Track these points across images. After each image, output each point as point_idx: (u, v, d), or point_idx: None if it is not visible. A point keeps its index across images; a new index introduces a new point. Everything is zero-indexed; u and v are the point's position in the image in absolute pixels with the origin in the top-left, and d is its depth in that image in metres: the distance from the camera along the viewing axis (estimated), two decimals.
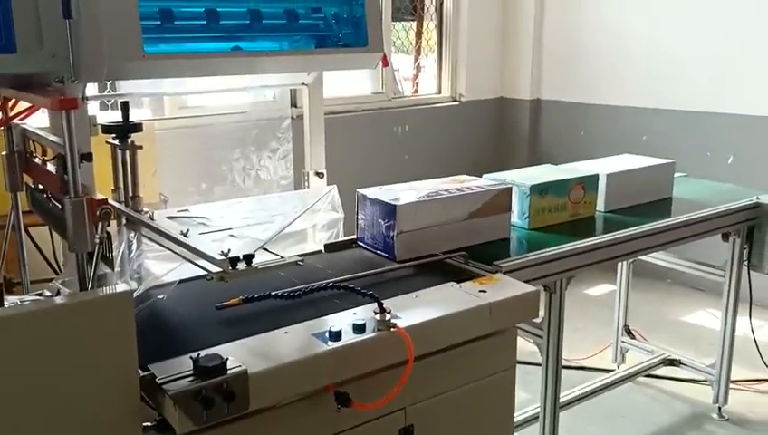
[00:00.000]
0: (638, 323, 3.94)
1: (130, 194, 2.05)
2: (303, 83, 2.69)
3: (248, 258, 1.55)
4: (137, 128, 2.09)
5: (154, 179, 3.26)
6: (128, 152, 2.05)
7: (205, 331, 1.75)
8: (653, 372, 3.76)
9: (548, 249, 2.39)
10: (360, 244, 2.40)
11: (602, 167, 3.04)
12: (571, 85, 5.67)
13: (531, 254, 2.33)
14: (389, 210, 2.25)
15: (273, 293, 1.82)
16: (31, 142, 1.97)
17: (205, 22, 2.17)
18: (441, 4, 5.78)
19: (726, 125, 4.82)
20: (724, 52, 4.79)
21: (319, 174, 2.84)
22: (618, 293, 3.78)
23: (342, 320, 1.77)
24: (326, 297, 1.87)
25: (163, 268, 1.83)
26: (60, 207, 1.53)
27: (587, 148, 5.53)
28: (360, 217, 2.38)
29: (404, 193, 2.35)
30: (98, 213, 1.44)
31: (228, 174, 3.11)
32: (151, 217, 1.94)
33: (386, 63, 2.52)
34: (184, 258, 1.74)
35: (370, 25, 2.39)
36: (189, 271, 1.85)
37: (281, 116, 3.15)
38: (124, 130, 2.07)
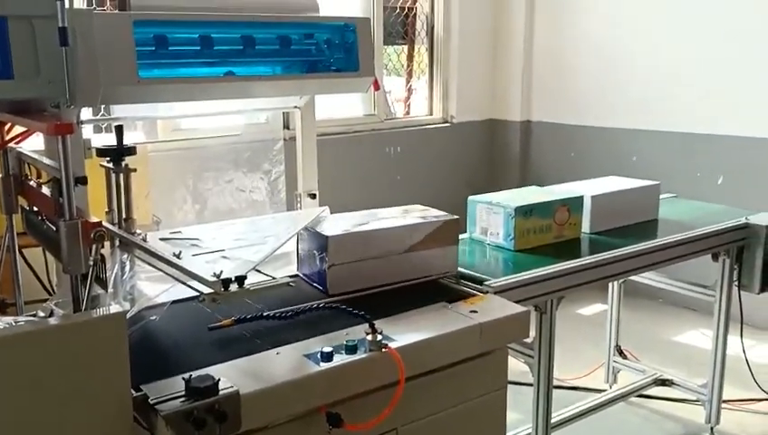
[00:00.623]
0: (630, 343, 3.96)
1: (124, 216, 2.07)
2: (296, 106, 2.72)
3: (240, 280, 1.57)
4: (131, 151, 2.11)
5: (147, 201, 3.28)
6: (122, 175, 2.08)
7: (197, 351, 1.77)
8: (645, 392, 3.77)
9: (538, 269, 2.42)
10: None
11: (587, 188, 3.07)
12: (562, 107, 5.73)
13: (521, 274, 2.36)
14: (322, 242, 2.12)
15: (264, 313, 1.84)
16: (26, 165, 2.00)
17: (199, 48, 2.21)
18: (432, 28, 5.85)
19: (716, 146, 4.87)
20: (714, 73, 4.86)
21: (311, 195, 2.86)
22: (609, 313, 3.80)
23: (334, 340, 1.78)
24: (318, 318, 1.88)
25: (156, 289, 1.84)
26: (54, 229, 1.55)
27: (577, 169, 5.57)
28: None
29: (340, 223, 2.24)
30: (92, 235, 1.46)
31: (220, 196, 3.13)
32: (144, 239, 1.96)
33: (377, 87, 2.56)
34: (176, 280, 1.75)
35: (362, 50, 2.42)
36: (181, 292, 1.87)
37: (273, 138, 3.17)
38: (118, 153, 2.09)
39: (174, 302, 1.94)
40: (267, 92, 2.38)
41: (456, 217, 2.36)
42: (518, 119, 5.93)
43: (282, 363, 1.68)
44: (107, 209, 2.18)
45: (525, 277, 2.34)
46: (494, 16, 5.91)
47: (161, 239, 2.00)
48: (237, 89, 2.24)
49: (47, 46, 1.76)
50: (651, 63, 5.17)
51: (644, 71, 5.21)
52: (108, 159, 2.09)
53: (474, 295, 2.16)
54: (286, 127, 3.67)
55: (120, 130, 2.12)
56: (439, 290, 2.23)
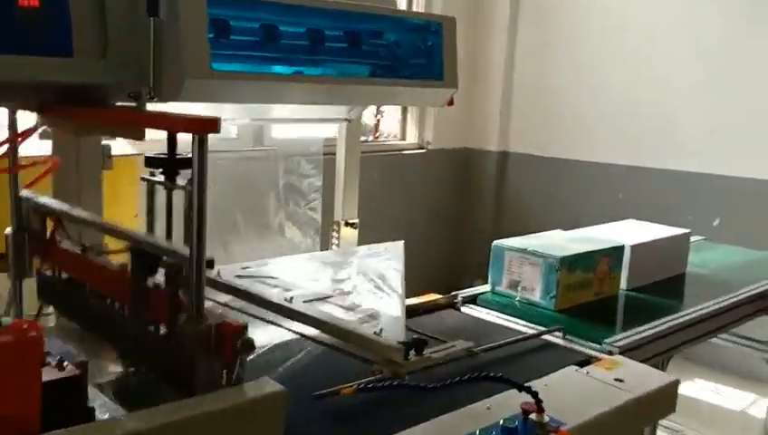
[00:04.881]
0: None
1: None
2: (347, 119, 2.31)
3: (419, 345, 1.14)
4: (189, 163, 1.63)
5: (135, 223, 2.75)
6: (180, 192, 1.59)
7: (308, 428, 1.31)
8: None
9: (657, 322, 2.09)
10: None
11: (619, 236, 2.62)
12: (542, 139, 5.49)
13: (641, 329, 2.01)
14: None
15: (391, 380, 1.39)
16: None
17: (265, 39, 1.76)
18: None
19: (711, 186, 4.72)
20: (707, 110, 4.73)
21: (351, 224, 2.45)
22: None
23: (478, 419, 1.37)
24: (447, 378, 1.45)
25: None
26: (141, 323, 1.10)
27: (557, 204, 5.35)
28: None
29: None
30: (236, 344, 1.01)
31: (229, 216, 2.63)
32: (219, 275, 1.49)
33: (452, 102, 2.17)
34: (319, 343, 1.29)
35: (446, 56, 2.05)
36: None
37: (313, 153, 2.74)
38: (173, 164, 1.61)
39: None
40: (340, 98, 1.96)
41: None
42: (495, 149, 5.65)
43: None
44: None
45: (649, 334, 2.00)
46: (474, 42, 5.64)
47: (237, 277, 1.53)
48: (314, 91, 1.81)
49: (120, 15, 1.29)
50: (640, 97, 5.00)
51: (632, 105, 5.04)
52: (160, 170, 1.61)
53: (599, 358, 1.80)
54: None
55: (173, 136, 1.64)
56: (550, 348, 1.86)
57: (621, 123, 5.09)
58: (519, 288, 2.24)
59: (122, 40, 1.29)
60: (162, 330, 1.15)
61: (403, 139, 5.58)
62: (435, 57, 2.03)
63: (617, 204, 5.06)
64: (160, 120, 1.16)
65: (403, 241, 1.98)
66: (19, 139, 1.57)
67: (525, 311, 2.16)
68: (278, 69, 1.81)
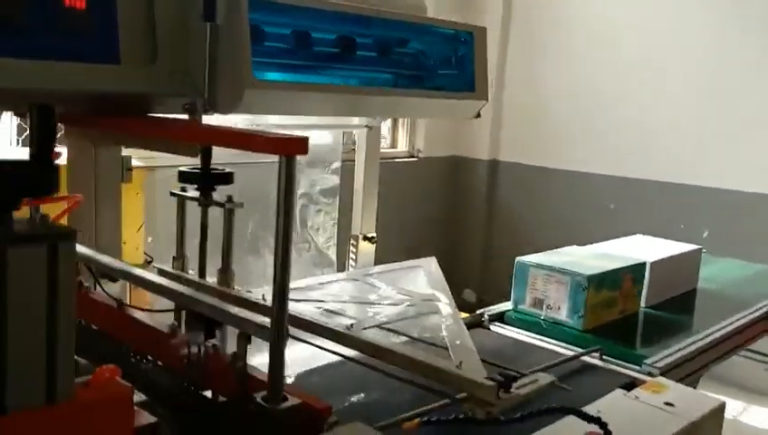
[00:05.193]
0: None
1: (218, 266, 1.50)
2: (368, 126, 2.23)
3: (508, 381, 1.07)
4: (227, 178, 1.54)
5: (138, 236, 2.64)
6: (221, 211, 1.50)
7: None
8: None
9: (689, 341, 2.06)
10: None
11: (635, 252, 2.55)
12: (533, 148, 5.46)
13: (677, 349, 1.97)
14: None
15: (457, 413, 1.32)
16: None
17: (296, 46, 1.68)
18: None
19: (702, 198, 4.73)
20: (697, 122, 4.74)
21: (369, 238, 2.37)
22: None
23: None
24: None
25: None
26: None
27: (548, 214, 5.33)
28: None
29: None
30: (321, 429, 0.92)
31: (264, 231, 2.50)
32: (264, 299, 1.40)
33: (479, 114, 2.11)
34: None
35: (478, 67, 1.98)
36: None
37: (328, 164, 2.64)
38: (210, 180, 1.52)
39: None
40: (371, 108, 1.89)
41: None
42: (486, 157, 5.61)
43: None
44: (175, 255, 1.62)
45: (684, 353, 1.95)
46: None
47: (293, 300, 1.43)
48: (352, 102, 1.73)
49: (170, 20, 1.20)
50: (632, 108, 4.99)
51: (624, 116, 5.03)
52: (195, 187, 1.52)
53: (642, 381, 1.75)
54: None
55: (208, 150, 1.54)
56: (590, 370, 1.81)
57: (612, 134, 5.08)
58: (544, 307, 2.16)
59: (173, 47, 1.20)
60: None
61: (394, 147, 5.51)
62: (466, 68, 1.97)
63: (608, 214, 5.06)
64: (240, 139, 1.07)
65: (434, 257, 1.91)
66: None
67: (553, 329, 2.10)
68: (319, 79, 1.74)
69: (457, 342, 1.29)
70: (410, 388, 1.38)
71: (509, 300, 2.21)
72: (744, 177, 4.59)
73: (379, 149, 2.30)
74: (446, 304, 1.49)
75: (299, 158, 0.94)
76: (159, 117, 1.26)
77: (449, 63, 1.97)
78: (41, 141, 0.78)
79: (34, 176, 0.76)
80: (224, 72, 1.19)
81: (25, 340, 0.76)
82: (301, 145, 0.90)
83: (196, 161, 1.55)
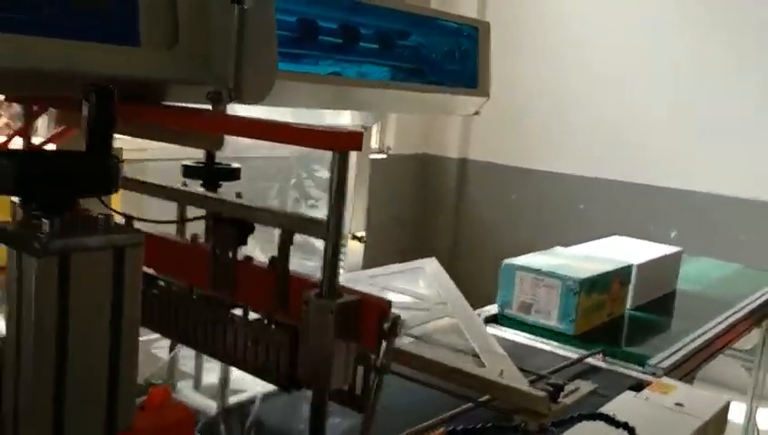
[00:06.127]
0: None
1: None
2: (363, 126, 2.17)
3: (556, 391, 1.03)
4: (233, 174, 1.48)
5: None
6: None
7: None
8: None
9: (685, 341, 2.07)
10: None
11: (618, 254, 2.54)
12: (503, 147, 5.47)
13: (676, 349, 1.98)
14: None
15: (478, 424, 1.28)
16: None
17: (302, 36, 1.62)
18: None
19: (670, 199, 4.80)
20: (667, 125, 4.80)
21: (358, 238, 2.32)
22: None
23: None
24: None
25: None
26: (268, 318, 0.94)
27: (517, 214, 5.35)
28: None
29: None
30: (384, 326, 0.86)
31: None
32: None
33: (477, 112, 2.08)
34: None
35: (481, 63, 1.95)
36: None
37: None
38: (216, 175, 1.45)
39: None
40: (375, 103, 1.83)
41: None
42: (455, 155, 5.60)
43: None
44: None
45: (683, 353, 1.96)
46: None
47: None
48: (349, 95, 1.68)
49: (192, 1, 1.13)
50: (603, 108, 5.03)
51: (595, 116, 5.07)
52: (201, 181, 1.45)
53: (648, 382, 1.75)
54: None
55: None
56: (595, 372, 1.79)
57: (583, 134, 5.11)
58: (532, 311, 2.11)
59: (193, 30, 1.13)
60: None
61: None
62: (469, 63, 1.93)
63: (577, 214, 5.10)
64: (288, 133, 1.00)
65: (435, 258, 1.87)
66: None
67: (545, 333, 2.07)
68: (320, 69, 1.67)
69: (486, 348, 1.25)
70: (428, 391, 1.34)
71: (477, 299, 2.12)
72: (712, 179, 4.67)
73: (370, 149, 2.24)
74: (460, 307, 1.44)
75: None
76: (189, 107, 1.18)
77: (452, 58, 1.93)
78: (98, 130, 0.71)
79: (94, 171, 0.69)
80: (252, 59, 1.12)
81: (87, 362, 0.68)
82: (355, 140, 0.85)
83: (189, 155, 1.49)
